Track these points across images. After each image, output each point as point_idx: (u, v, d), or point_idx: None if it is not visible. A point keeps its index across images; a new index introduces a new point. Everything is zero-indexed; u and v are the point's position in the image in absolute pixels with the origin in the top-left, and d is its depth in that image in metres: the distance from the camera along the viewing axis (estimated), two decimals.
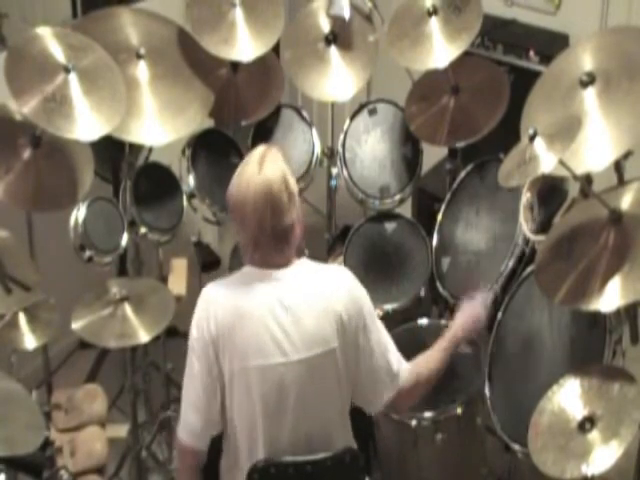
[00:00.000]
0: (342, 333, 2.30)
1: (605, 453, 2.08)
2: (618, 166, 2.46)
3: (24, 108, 2.56)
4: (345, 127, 3.41)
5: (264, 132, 3.41)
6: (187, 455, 2.38)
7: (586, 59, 2.52)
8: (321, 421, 2.34)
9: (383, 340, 2.40)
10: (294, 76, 3.30)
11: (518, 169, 2.27)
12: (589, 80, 2.46)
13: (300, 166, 3.35)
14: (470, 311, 2.65)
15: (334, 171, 3.45)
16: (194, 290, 3.23)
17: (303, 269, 2.33)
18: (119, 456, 3.23)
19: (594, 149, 2.39)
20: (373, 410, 2.48)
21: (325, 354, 2.28)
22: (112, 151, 3.18)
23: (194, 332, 2.29)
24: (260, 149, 2.32)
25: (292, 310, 2.27)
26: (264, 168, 2.24)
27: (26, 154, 2.71)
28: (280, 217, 2.25)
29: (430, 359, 2.49)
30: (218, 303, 2.28)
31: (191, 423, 2.32)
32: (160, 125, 2.99)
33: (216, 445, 2.43)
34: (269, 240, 2.26)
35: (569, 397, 2.24)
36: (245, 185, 2.23)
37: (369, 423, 2.90)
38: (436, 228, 3.20)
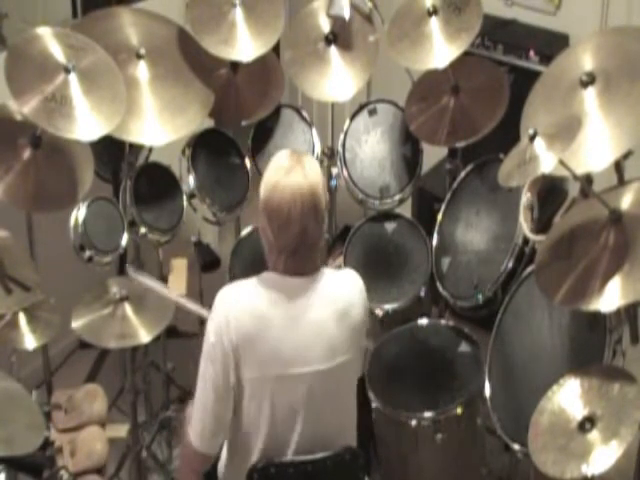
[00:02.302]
0: (359, 341, 2.33)
1: (605, 453, 2.08)
2: (618, 166, 2.46)
3: (24, 108, 2.56)
4: (345, 127, 3.41)
5: (264, 132, 3.41)
6: (196, 460, 2.35)
7: (586, 59, 2.52)
8: (338, 426, 2.36)
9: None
10: (294, 76, 3.30)
11: (518, 169, 2.27)
12: (589, 80, 2.46)
13: None
14: None
15: (334, 171, 3.45)
16: (194, 290, 3.24)
17: (325, 278, 2.31)
18: (119, 456, 3.23)
19: (594, 149, 2.39)
20: None
21: (346, 362, 2.30)
22: (112, 151, 3.18)
23: (212, 337, 2.24)
24: (289, 153, 2.29)
25: (315, 320, 2.26)
26: (308, 174, 2.22)
27: (26, 154, 2.71)
28: (321, 224, 2.24)
29: None
30: (239, 310, 2.25)
31: (204, 428, 2.28)
32: (160, 125, 2.99)
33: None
34: (308, 247, 2.23)
35: (569, 397, 2.24)
36: (291, 190, 2.18)
37: (369, 423, 2.90)
38: (436, 228, 3.20)
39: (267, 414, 2.27)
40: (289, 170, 2.22)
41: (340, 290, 2.33)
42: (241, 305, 2.26)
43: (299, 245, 2.22)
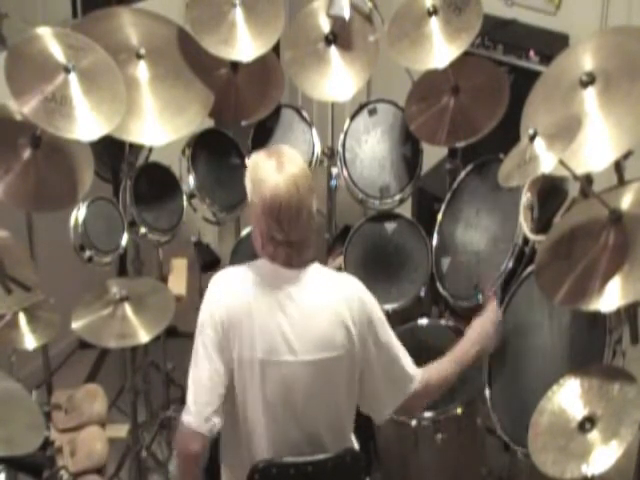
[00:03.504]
0: (352, 340, 2.30)
1: (605, 453, 2.08)
2: (618, 166, 2.46)
3: (24, 108, 2.56)
4: (345, 127, 3.41)
5: (264, 132, 3.41)
6: (192, 441, 2.27)
7: (586, 59, 2.52)
8: (327, 423, 2.35)
9: (394, 348, 2.41)
10: (294, 76, 3.30)
11: (518, 169, 2.27)
12: (589, 80, 2.46)
13: None
14: (480, 328, 2.65)
15: (334, 171, 3.45)
16: (194, 290, 3.24)
17: (317, 273, 2.34)
18: (119, 456, 3.24)
19: (594, 149, 2.39)
20: (379, 418, 2.47)
21: (334, 358, 2.29)
22: (112, 151, 3.18)
23: (207, 316, 2.27)
24: (263, 153, 2.33)
25: (305, 311, 2.28)
26: (294, 160, 2.28)
27: (26, 154, 2.71)
28: (315, 200, 2.29)
29: (442, 367, 2.50)
30: (229, 291, 2.29)
31: (200, 404, 2.25)
32: (160, 125, 2.99)
33: (216, 444, 2.44)
34: (304, 240, 2.28)
35: (569, 397, 2.24)
36: (291, 182, 2.22)
37: (369, 423, 2.90)
38: (436, 228, 3.20)
39: (254, 401, 2.28)
40: (279, 166, 2.25)
41: (333, 287, 2.34)
42: (232, 286, 2.30)
43: (307, 232, 2.27)
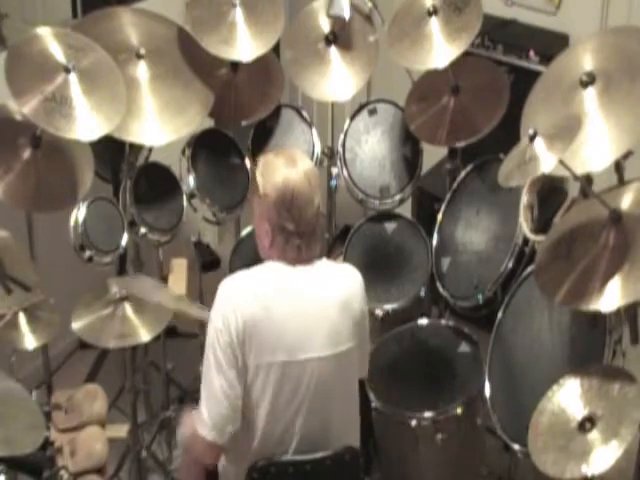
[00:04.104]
0: (359, 330, 2.36)
1: (605, 453, 2.08)
2: (618, 166, 2.46)
3: (24, 108, 2.56)
4: (345, 127, 3.41)
5: (264, 132, 3.41)
6: (209, 453, 2.33)
7: (586, 59, 2.52)
8: (345, 416, 2.38)
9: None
10: (294, 76, 3.30)
11: (518, 169, 2.28)
12: (589, 80, 2.46)
13: None
14: None
15: (334, 171, 3.45)
16: (194, 290, 3.24)
17: (324, 267, 2.37)
18: (119, 456, 3.23)
19: (594, 149, 2.39)
20: None
21: (349, 350, 2.33)
22: (112, 151, 3.18)
23: (219, 324, 2.25)
24: (272, 153, 2.38)
25: (319, 307, 2.30)
26: (301, 156, 2.35)
27: (26, 154, 2.71)
28: (321, 207, 2.33)
29: None
30: (244, 296, 2.28)
31: (215, 417, 2.26)
32: (160, 125, 2.99)
33: None
34: (313, 232, 2.31)
35: (569, 397, 2.24)
36: (302, 175, 2.28)
37: (369, 423, 2.90)
38: (436, 228, 3.20)
39: (268, 405, 2.28)
40: (291, 162, 2.30)
41: (341, 279, 2.38)
42: (246, 291, 2.29)
43: (316, 225, 2.31)
